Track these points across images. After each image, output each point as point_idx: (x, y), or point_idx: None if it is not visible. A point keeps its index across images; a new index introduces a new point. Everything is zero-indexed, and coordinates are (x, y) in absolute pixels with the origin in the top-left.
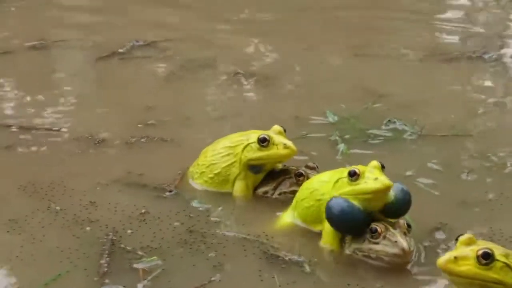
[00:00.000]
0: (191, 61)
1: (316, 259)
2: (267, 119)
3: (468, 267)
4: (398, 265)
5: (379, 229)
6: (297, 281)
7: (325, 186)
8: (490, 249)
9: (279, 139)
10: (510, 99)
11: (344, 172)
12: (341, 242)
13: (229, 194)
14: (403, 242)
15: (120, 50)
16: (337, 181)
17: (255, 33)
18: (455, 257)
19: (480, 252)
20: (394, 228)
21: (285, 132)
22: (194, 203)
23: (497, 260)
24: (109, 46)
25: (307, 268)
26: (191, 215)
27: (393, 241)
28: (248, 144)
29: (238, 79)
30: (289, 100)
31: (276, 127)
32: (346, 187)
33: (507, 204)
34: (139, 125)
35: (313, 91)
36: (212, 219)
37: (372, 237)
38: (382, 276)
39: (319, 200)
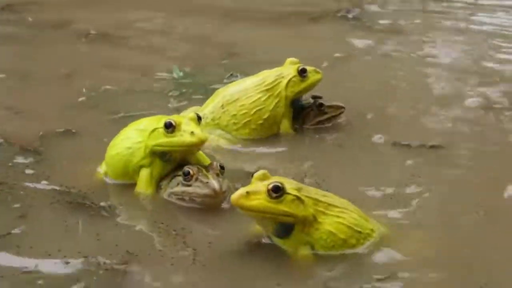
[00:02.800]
0: (43, 23)
1: (128, 205)
2: (115, 75)
3: (259, 201)
4: (210, 206)
5: (191, 172)
6: (106, 226)
7: (140, 134)
8: (281, 183)
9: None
10: (352, 55)
11: (160, 121)
12: (157, 187)
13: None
14: (214, 183)
15: None
16: (153, 130)
17: None
18: (247, 192)
19: (270, 186)
20: (207, 170)
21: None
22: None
23: (288, 194)
24: None
25: (117, 214)
26: (8, 166)
27: (204, 182)
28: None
29: (90, 39)
30: (139, 57)
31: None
32: (162, 138)
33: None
34: None
35: (165, 49)
36: (27, 171)
37: (185, 179)
38: (191, 216)
39: (129, 147)
